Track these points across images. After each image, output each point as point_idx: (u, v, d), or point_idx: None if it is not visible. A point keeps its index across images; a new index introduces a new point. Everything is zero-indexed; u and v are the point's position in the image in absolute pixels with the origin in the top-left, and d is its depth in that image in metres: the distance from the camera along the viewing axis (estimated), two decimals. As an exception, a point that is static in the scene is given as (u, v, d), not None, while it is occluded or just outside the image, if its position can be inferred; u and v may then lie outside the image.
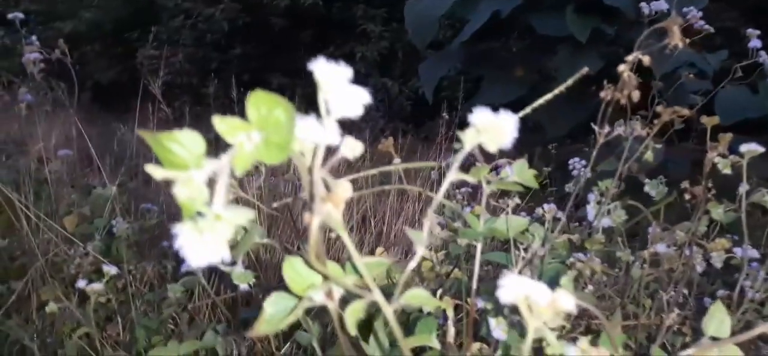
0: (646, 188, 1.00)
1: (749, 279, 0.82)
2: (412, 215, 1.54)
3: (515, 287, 0.32)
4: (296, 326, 0.92)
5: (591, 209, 0.80)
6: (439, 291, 0.83)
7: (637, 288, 0.73)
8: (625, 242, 0.82)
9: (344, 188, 0.34)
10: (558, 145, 2.52)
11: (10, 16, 1.36)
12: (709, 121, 0.74)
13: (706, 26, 1.46)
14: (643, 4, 1.42)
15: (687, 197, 0.77)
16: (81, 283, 0.81)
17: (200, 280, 0.91)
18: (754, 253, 0.76)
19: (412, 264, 0.35)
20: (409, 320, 0.72)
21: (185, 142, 0.30)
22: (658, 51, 2.18)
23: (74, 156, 1.61)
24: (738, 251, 0.81)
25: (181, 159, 0.30)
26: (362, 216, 1.52)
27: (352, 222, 1.46)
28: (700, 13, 1.47)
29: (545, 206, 0.83)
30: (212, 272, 1.17)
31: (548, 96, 0.67)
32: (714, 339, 0.46)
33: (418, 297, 0.35)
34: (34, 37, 1.33)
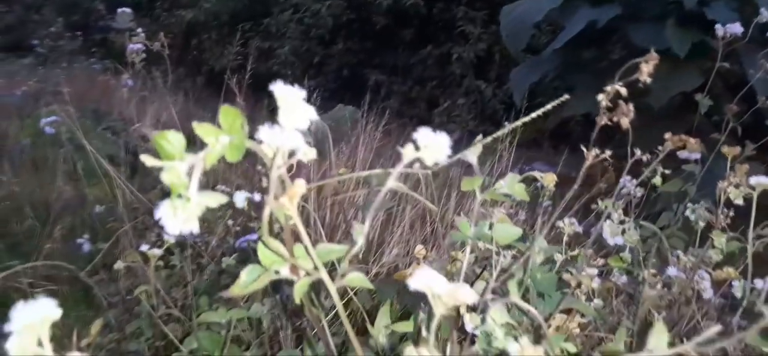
0: (687, 213, 1.01)
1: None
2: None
3: (422, 278, 0.39)
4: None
5: (606, 228, 0.83)
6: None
7: (642, 308, 0.76)
8: (640, 261, 0.84)
9: (299, 185, 0.42)
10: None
11: (119, 10, 1.57)
12: (729, 151, 0.75)
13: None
14: (717, 27, 1.39)
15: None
16: (144, 247, 0.95)
17: (250, 254, 1.03)
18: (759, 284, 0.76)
19: (354, 251, 0.43)
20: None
21: (172, 139, 0.39)
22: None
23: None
24: (759, 283, 0.81)
25: (169, 152, 0.39)
26: (419, 215, 1.60)
27: (405, 219, 1.53)
28: (783, 37, 1.41)
29: (566, 219, 0.87)
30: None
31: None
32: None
33: (355, 279, 0.42)
34: (139, 30, 1.52)
